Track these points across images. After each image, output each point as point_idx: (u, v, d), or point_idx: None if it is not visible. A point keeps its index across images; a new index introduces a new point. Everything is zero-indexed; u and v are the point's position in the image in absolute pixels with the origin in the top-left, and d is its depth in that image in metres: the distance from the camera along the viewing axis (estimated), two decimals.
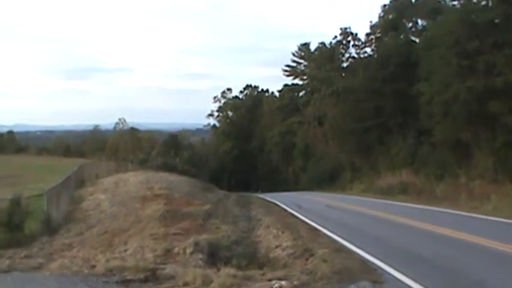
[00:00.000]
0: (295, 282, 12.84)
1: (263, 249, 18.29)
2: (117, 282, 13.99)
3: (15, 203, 22.84)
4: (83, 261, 16.72)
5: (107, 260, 16.42)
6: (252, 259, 16.11)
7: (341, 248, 17.50)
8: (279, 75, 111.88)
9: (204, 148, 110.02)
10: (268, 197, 47.84)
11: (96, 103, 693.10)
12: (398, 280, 12.85)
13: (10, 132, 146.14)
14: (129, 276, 14.40)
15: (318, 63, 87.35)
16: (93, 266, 15.83)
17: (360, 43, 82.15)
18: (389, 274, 13.47)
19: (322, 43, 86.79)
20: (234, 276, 13.44)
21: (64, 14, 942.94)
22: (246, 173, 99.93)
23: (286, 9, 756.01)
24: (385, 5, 71.12)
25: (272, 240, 19.88)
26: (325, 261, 15.04)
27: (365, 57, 79.13)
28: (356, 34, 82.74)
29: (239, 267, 14.62)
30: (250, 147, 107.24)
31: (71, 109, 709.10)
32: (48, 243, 20.64)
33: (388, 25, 69.69)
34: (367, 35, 79.15)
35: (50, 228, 23.42)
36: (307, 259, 15.77)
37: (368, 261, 15.24)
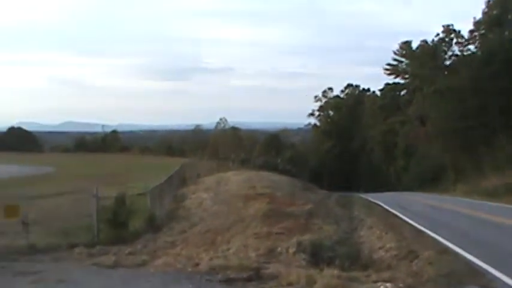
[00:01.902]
0: (401, 285, 12.68)
1: (366, 250, 18.09)
2: (220, 280, 14.08)
3: (120, 201, 23.25)
4: (186, 259, 16.89)
5: (210, 259, 16.55)
6: (355, 260, 15.95)
7: (446, 250, 17.14)
8: (380, 74, 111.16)
9: (305, 147, 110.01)
10: (370, 197, 47.35)
11: (198, 103, 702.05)
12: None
13: (114, 132, 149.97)
14: (232, 275, 14.47)
15: (420, 61, 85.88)
16: (197, 264, 15.97)
17: (463, 40, 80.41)
18: (500, 280, 13.07)
19: (424, 41, 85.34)
20: (338, 277, 13.36)
21: (167, 15, 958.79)
22: (346, 172, 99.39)
23: (387, 7, 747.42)
24: (489, 1, 69.36)
25: (375, 241, 19.68)
26: (430, 263, 14.79)
27: (468, 55, 77.53)
28: (459, 31, 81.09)
29: (342, 268, 14.52)
30: (351, 147, 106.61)
31: (173, 109, 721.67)
32: (152, 241, 20.96)
33: (493, 21, 67.98)
34: (471, 31, 77.43)
35: (154, 226, 23.78)
36: (411, 261, 15.54)
37: (476, 264, 14.85)
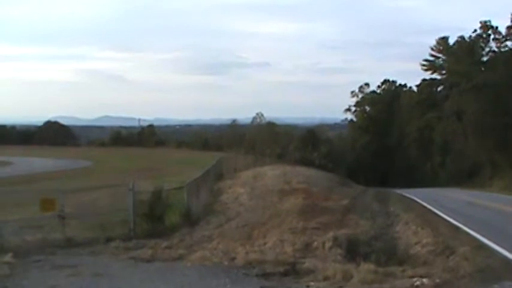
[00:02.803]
0: (437, 280, 12.63)
1: (402, 245, 18.01)
2: (257, 275, 14.12)
3: (157, 195, 23.31)
4: (222, 253, 16.94)
5: (247, 253, 16.58)
6: (392, 255, 15.92)
7: (482, 246, 17.04)
8: (417, 69, 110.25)
9: (341, 143, 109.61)
10: (406, 193, 47.08)
11: (234, 97, 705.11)
12: None
13: (151, 126, 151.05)
14: (268, 269, 14.50)
15: (457, 57, 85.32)
16: (233, 258, 16.01)
17: (501, 36, 79.79)
18: None
19: (462, 37, 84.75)
20: (375, 272, 13.35)
21: (205, 9, 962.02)
22: (383, 168, 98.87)
23: (425, 3, 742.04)
24: None
25: (411, 236, 19.57)
26: (466, 259, 14.70)
27: (506, 51, 76.89)
28: (496, 27, 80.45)
29: (378, 263, 14.49)
30: (387, 143, 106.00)
31: (209, 103, 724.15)
32: (189, 235, 20.99)
33: None
34: (508, 28, 76.79)
35: (190, 220, 23.81)
36: (448, 256, 15.46)
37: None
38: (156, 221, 22.23)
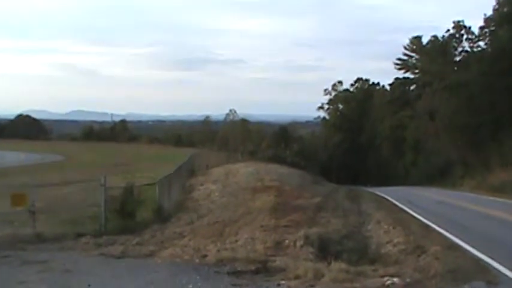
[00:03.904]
0: (408, 280, 12.67)
1: (374, 244, 18.07)
2: (228, 272, 14.07)
3: (128, 191, 23.22)
4: (194, 250, 16.85)
5: (218, 250, 16.52)
6: (363, 254, 15.97)
7: (453, 246, 17.16)
8: (390, 68, 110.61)
9: (314, 141, 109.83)
10: (378, 191, 47.37)
11: (207, 94, 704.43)
12: None
13: (123, 121, 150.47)
14: (240, 267, 14.47)
15: (430, 56, 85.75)
16: (204, 256, 15.95)
17: (474, 36, 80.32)
18: (505, 276, 13.11)
19: (435, 36, 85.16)
20: (346, 271, 13.34)
21: (178, 5, 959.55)
22: (355, 166, 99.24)
23: (399, 1, 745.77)
24: None
25: (383, 235, 19.65)
26: (437, 258, 14.76)
27: (479, 51, 77.50)
28: (469, 27, 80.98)
29: (350, 262, 14.50)
30: (360, 141, 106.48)
31: (182, 99, 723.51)
32: (160, 232, 20.91)
33: (503, 18, 67.91)
34: (481, 28, 77.31)
35: (162, 217, 23.75)
36: (418, 256, 15.52)
37: (482, 260, 14.89)
38: (127, 217, 22.15)
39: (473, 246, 16.69)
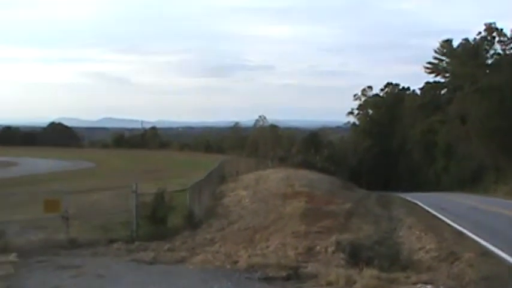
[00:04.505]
0: (442, 287, 12.56)
1: (406, 250, 17.94)
2: (259, 278, 14.06)
3: (159, 197, 23.30)
4: (225, 256, 16.86)
5: (249, 256, 16.50)
6: (395, 261, 15.82)
7: (487, 253, 16.95)
8: (420, 72, 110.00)
9: (344, 146, 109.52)
10: (409, 197, 47.04)
11: (237, 100, 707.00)
12: None
13: (153, 128, 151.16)
14: (271, 273, 14.43)
15: (461, 60, 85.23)
16: (235, 262, 15.94)
17: (506, 39, 79.64)
18: None
19: (466, 39, 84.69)
20: (378, 277, 13.26)
21: (208, 13, 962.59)
22: (385, 172, 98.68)
23: (429, 5, 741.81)
24: None
25: (415, 241, 19.51)
26: (471, 265, 14.61)
27: (511, 54, 76.69)
28: (501, 30, 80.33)
29: (381, 269, 14.40)
30: (390, 146, 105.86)
31: (211, 106, 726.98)
32: (191, 238, 20.95)
33: None
34: None
35: (192, 223, 23.79)
36: (452, 263, 15.37)
37: None
38: (158, 223, 22.21)
39: (508, 253, 16.46)
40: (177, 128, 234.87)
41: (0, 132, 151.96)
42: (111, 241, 19.44)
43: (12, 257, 16.23)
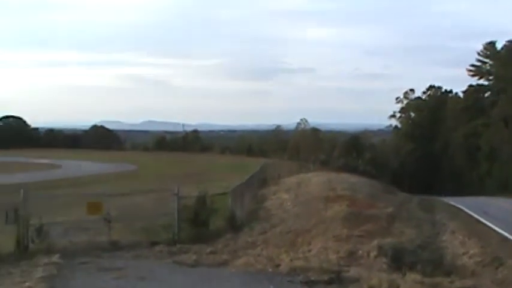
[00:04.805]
0: None
1: (449, 255, 17.79)
2: (301, 282, 14.02)
3: (201, 200, 23.37)
4: (267, 259, 16.86)
5: (291, 260, 16.48)
6: (438, 265, 15.70)
7: None
8: (463, 75, 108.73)
9: (385, 149, 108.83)
10: (452, 201, 46.49)
11: (278, 103, 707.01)
12: None
13: (195, 132, 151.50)
14: (313, 277, 14.38)
15: (504, 62, 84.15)
16: (277, 265, 15.91)
17: None
18: None
19: (510, 41, 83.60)
20: (421, 282, 13.14)
21: (248, 16, 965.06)
22: (428, 175, 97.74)
23: (471, 7, 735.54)
24: None
25: (458, 246, 19.34)
26: None
27: None
28: None
29: (424, 274, 14.28)
30: (432, 149, 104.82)
31: (252, 109, 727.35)
32: (233, 241, 20.99)
33: None
34: None
35: (234, 226, 23.83)
36: (496, 268, 15.23)
37: None
38: (200, 226, 22.25)
39: None
40: (218, 131, 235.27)
41: (43, 135, 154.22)
42: (153, 243, 19.51)
43: (56, 258, 16.38)
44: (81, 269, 15.70)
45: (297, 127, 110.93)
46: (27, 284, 13.60)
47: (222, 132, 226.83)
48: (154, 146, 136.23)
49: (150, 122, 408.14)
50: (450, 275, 14.55)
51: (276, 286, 13.61)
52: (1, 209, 19.11)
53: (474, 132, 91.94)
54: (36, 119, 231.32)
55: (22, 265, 15.66)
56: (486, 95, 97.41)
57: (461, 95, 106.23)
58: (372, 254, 17.03)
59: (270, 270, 15.50)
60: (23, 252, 17.50)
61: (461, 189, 79.92)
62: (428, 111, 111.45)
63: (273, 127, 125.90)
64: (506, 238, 21.47)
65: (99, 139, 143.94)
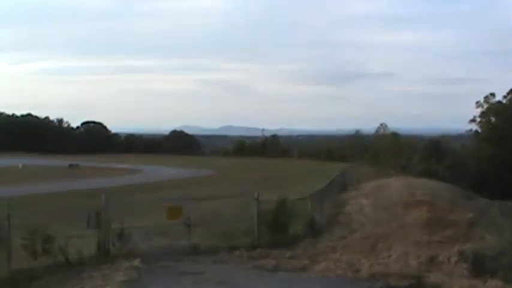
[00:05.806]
0: None
1: None
2: (381, 287, 14.03)
3: (281, 204, 23.44)
4: (346, 264, 16.88)
5: (371, 265, 16.48)
6: None
7: None
8: None
9: (465, 154, 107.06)
10: None
11: (357, 108, 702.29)
12: None
13: (274, 136, 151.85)
14: (393, 282, 14.39)
15: None
16: (357, 270, 15.94)
17: None
18: None
19: None
20: None
21: (328, 21, 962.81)
22: (509, 180, 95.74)
23: None
24: None
25: None
26: None
27: None
28: None
29: (506, 280, 14.12)
30: None
31: (331, 114, 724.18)
32: (312, 245, 21.00)
33: None
34: None
35: (314, 231, 23.82)
36: None
37: None
38: (280, 231, 22.34)
39: None
40: (297, 136, 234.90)
41: (123, 140, 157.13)
42: (233, 248, 19.70)
43: (136, 262, 16.75)
44: (162, 273, 16.05)
45: (376, 132, 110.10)
46: (108, 287, 13.97)
47: (300, 137, 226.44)
48: (233, 151, 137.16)
49: (228, 127, 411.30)
50: None
51: None
52: (83, 214, 19.61)
53: None
54: (117, 124, 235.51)
55: (103, 269, 16.07)
56: None
57: None
58: (453, 260, 16.87)
59: (350, 275, 15.55)
60: (104, 256, 17.99)
61: None
62: (510, 115, 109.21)
63: (353, 132, 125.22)
64: None
65: (179, 144, 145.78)
